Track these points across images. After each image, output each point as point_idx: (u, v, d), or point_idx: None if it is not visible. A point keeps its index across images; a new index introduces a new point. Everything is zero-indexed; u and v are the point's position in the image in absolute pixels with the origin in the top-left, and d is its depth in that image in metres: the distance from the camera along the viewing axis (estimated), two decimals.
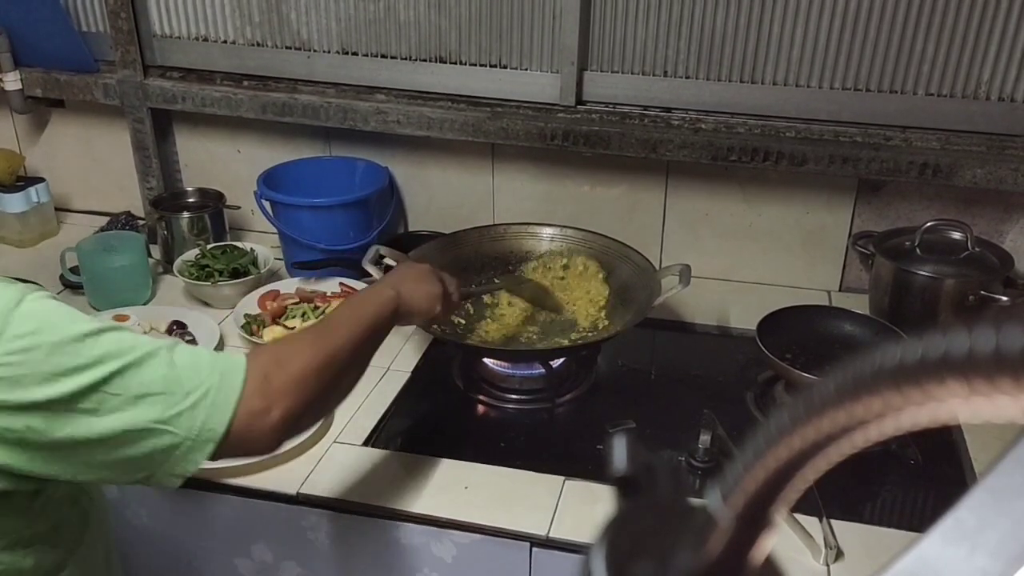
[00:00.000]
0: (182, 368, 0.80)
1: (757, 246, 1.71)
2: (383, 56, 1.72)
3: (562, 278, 1.56)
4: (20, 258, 1.75)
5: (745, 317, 1.56)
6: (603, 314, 1.49)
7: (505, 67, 1.67)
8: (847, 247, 1.67)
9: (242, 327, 1.50)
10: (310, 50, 1.75)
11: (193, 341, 1.47)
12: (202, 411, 0.79)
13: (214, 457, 0.81)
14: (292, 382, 0.86)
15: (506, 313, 1.52)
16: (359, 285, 1.62)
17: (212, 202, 1.80)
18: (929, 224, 1.49)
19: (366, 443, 1.28)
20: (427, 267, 1.20)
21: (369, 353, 1.01)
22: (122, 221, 1.86)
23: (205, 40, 1.80)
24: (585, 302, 1.51)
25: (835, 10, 1.50)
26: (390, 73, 1.72)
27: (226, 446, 0.81)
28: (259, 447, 0.85)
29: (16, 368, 0.72)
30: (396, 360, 1.46)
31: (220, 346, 1.48)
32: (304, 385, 0.87)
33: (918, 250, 1.49)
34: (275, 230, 1.71)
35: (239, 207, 1.85)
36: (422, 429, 1.36)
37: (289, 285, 1.64)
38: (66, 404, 0.74)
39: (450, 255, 1.53)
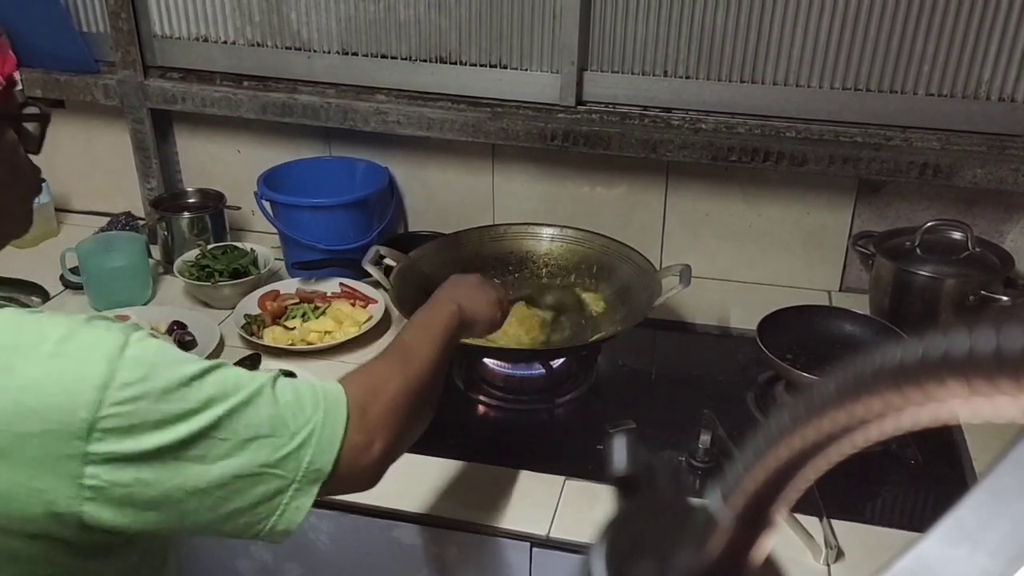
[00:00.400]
0: (285, 406, 0.76)
1: (757, 246, 1.71)
2: (383, 56, 1.72)
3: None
4: (20, 258, 1.75)
5: (745, 317, 1.56)
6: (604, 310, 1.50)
7: (505, 67, 1.67)
8: (847, 247, 1.67)
9: (242, 327, 1.50)
10: (310, 50, 1.75)
11: (193, 341, 1.47)
12: (308, 451, 0.76)
13: (319, 497, 0.77)
14: (388, 412, 0.83)
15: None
16: (359, 285, 1.62)
17: (212, 202, 1.80)
18: (929, 224, 1.49)
19: None
20: (476, 276, 1.16)
21: (444, 372, 0.98)
22: (122, 221, 1.86)
23: (205, 40, 1.80)
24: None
25: (835, 10, 1.50)
26: (390, 73, 1.72)
27: (331, 485, 0.78)
28: (361, 483, 0.82)
29: (126, 418, 0.69)
30: None
31: (220, 346, 1.48)
32: (398, 414, 0.85)
33: (918, 250, 1.49)
34: (275, 230, 1.71)
35: (239, 207, 1.85)
36: None
37: (289, 285, 1.64)
38: (175, 452, 0.71)
39: (450, 255, 1.53)
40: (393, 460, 0.85)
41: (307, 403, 0.78)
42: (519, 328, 1.42)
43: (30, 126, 0.84)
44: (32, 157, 0.88)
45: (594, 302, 1.52)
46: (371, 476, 0.83)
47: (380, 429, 0.82)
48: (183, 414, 0.71)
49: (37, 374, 0.68)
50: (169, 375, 0.71)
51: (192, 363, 0.74)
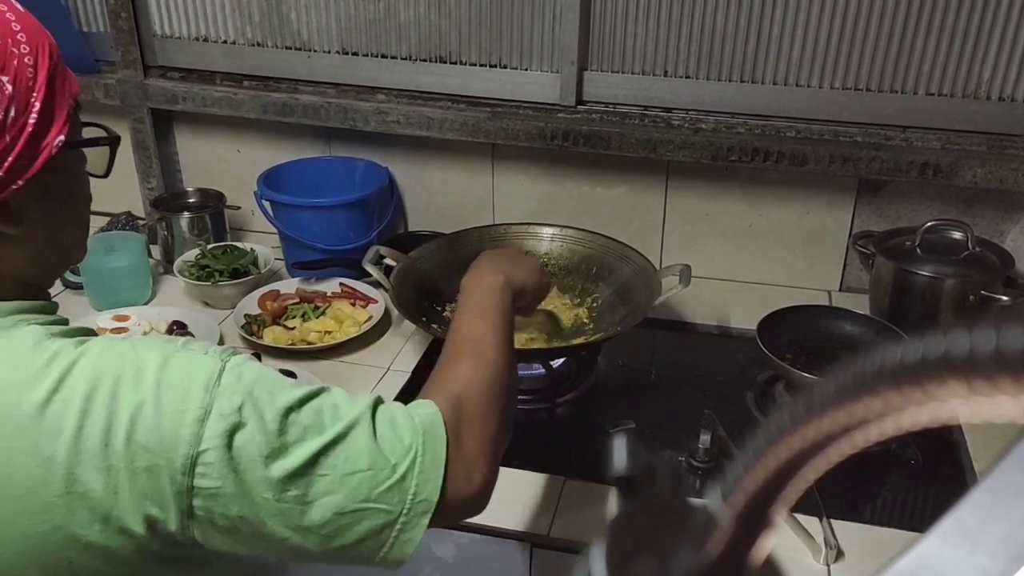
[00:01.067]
0: (383, 437, 0.72)
1: (757, 246, 1.71)
2: (383, 56, 1.72)
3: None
4: None
5: (745, 317, 1.56)
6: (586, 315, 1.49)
7: (505, 67, 1.67)
8: (847, 247, 1.66)
9: (242, 327, 1.50)
10: (310, 50, 1.75)
11: None
12: (412, 482, 0.72)
13: (431, 527, 0.74)
14: (481, 421, 0.79)
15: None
16: (359, 285, 1.62)
17: (212, 202, 1.80)
18: (929, 224, 1.49)
19: None
20: (504, 249, 1.11)
21: (512, 347, 0.92)
22: (122, 221, 1.86)
23: (205, 40, 1.80)
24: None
25: (835, 10, 1.50)
26: (390, 73, 1.72)
27: (442, 514, 0.73)
28: (473, 506, 0.78)
29: (225, 452, 0.66)
30: (396, 360, 1.46)
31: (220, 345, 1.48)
32: (492, 420, 0.80)
33: (918, 250, 1.49)
34: (275, 230, 1.71)
35: (239, 207, 1.85)
36: None
37: (289, 285, 1.64)
38: (273, 490, 0.68)
39: (450, 255, 1.53)
40: (497, 470, 0.81)
41: (405, 431, 0.74)
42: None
43: (97, 148, 0.81)
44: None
45: (567, 313, 1.50)
46: (482, 495, 0.78)
47: (479, 445, 0.78)
48: (280, 448, 0.68)
49: (142, 408, 0.66)
50: (265, 405, 0.69)
51: (288, 391, 0.71)
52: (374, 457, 0.71)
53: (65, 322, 0.74)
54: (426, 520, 0.72)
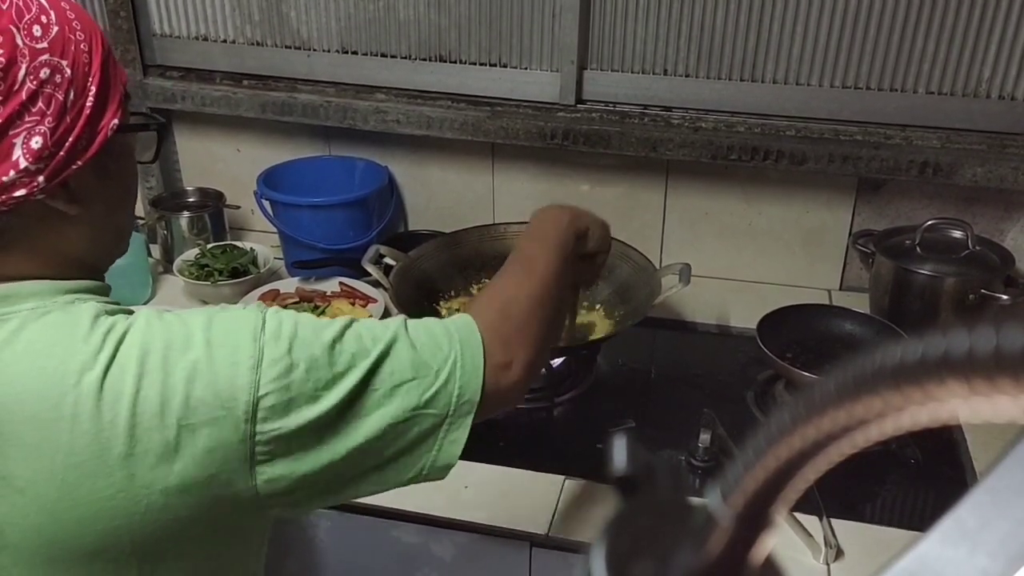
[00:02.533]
0: (423, 347, 0.78)
1: (757, 245, 1.71)
2: (383, 55, 1.72)
3: None
4: None
5: (745, 316, 1.56)
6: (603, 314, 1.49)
7: (505, 66, 1.67)
8: (847, 246, 1.66)
9: None
10: (310, 49, 1.75)
11: None
12: (455, 385, 0.78)
13: (474, 423, 0.79)
14: (521, 327, 0.85)
15: None
16: (359, 284, 1.62)
17: (212, 202, 1.80)
18: (929, 223, 1.49)
19: None
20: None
21: (566, 278, 0.98)
22: None
23: (205, 39, 1.80)
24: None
25: (835, 8, 1.49)
26: (390, 72, 1.72)
27: (482, 411, 0.79)
28: (510, 400, 0.84)
29: (283, 393, 0.70)
30: None
31: None
32: (532, 325, 0.86)
33: (918, 249, 1.48)
34: (275, 230, 1.71)
35: (239, 207, 1.85)
36: None
37: (289, 284, 1.64)
38: (335, 417, 0.72)
39: (450, 254, 1.53)
40: (536, 372, 0.87)
41: (442, 339, 0.79)
42: None
43: (142, 135, 0.85)
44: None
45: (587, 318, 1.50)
46: (519, 392, 0.84)
47: (517, 347, 0.83)
48: (333, 378, 0.72)
49: (196, 366, 0.69)
50: (311, 343, 0.73)
51: (327, 326, 0.76)
52: (417, 367, 0.76)
53: (116, 303, 0.77)
54: (470, 419, 0.78)
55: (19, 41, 0.67)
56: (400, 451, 0.76)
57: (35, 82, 0.68)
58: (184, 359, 0.69)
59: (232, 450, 0.69)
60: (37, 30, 0.69)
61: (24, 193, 0.69)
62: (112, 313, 0.73)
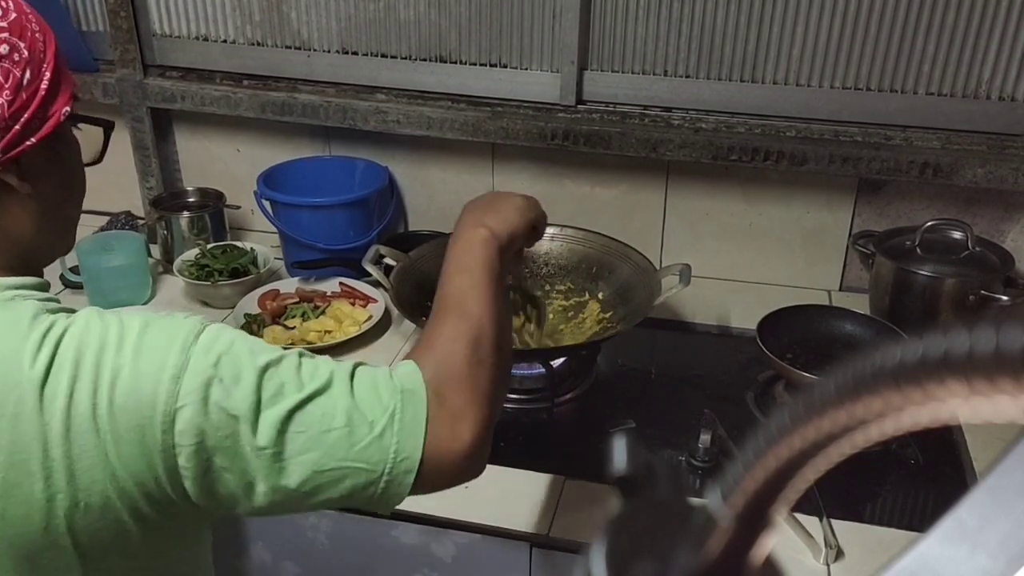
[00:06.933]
0: (361, 395, 0.72)
1: (757, 246, 1.71)
2: (383, 56, 1.72)
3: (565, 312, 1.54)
4: None
5: (745, 317, 1.56)
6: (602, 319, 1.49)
7: (505, 66, 1.67)
8: (847, 247, 1.66)
9: (242, 327, 1.50)
10: (310, 49, 1.75)
11: None
12: (392, 439, 0.72)
13: (415, 489, 0.73)
14: (464, 381, 0.77)
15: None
16: (359, 285, 1.62)
17: (212, 202, 1.80)
18: (929, 223, 1.49)
19: None
20: (489, 193, 1.05)
21: (506, 308, 0.90)
22: (122, 221, 1.86)
23: (205, 39, 1.80)
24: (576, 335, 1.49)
25: (835, 9, 1.50)
26: (390, 73, 1.72)
27: (427, 472, 0.73)
28: (465, 463, 0.76)
29: (200, 406, 0.68)
30: (396, 360, 1.46)
31: None
32: (476, 379, 0.78)
33: (918, 250, 1.49)
34: (275, 230, 1.71)
35: (239, 207, 1.85)
36: None
37: (289, 285, 1.64)
38: (260, 448, 0.69)
39: None
40: (489, 427, 0.78)
41: (384, 390, 0.73)
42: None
43: (90, 136, 0.87)
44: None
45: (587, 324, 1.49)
46: (472, 453, 0.76)
47: (465, 401, 0.76)
48: (256, 404, 0.69)
49: (121, 372, 0.68)
50: (242, 362, 0.70)
51: (267, 351, 0.72)
52: (351, 414, 0.71)
53: (57, 301, 0.76)
54: (410, 479, 0.72)
55: None
56: (333, 499, 0.72)
57: None
58: (113, 362, 0.68)
59: (156, 459, 0.68)
60: None
61: None
62: (52, 312, 0.72)
